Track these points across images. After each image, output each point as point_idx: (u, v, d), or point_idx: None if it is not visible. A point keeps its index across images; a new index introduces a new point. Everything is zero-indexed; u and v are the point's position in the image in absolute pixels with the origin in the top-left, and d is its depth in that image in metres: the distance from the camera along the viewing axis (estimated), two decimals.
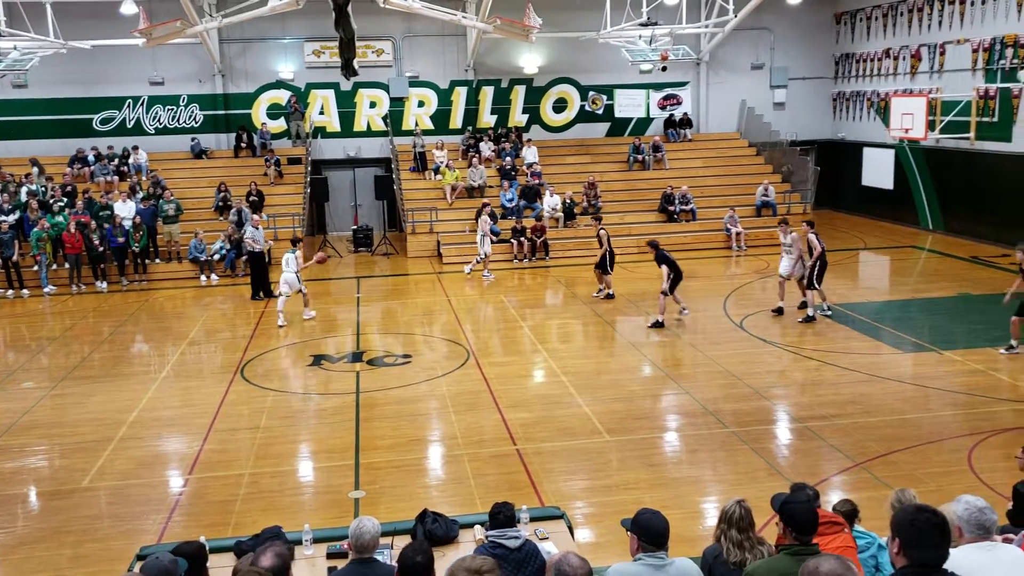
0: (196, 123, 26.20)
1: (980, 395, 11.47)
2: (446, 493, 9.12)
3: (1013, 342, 13.25)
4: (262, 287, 18.81)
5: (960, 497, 4.46)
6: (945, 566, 3.53)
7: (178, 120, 26.15)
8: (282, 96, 26.40)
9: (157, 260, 21.51)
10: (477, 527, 6.03)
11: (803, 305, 15.67)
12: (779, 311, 15.82)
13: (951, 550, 3.69)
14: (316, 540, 6.03)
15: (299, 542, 6.00)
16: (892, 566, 3.84)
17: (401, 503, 8.63)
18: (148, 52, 24.29)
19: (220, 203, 23.14)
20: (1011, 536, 5.23)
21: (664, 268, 15.39)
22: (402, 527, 6.20)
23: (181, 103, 26.09)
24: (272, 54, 26.35)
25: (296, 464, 10.21)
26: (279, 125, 26.38)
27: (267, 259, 19.23)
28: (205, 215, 23.18)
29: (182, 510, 8.91)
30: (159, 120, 26.06)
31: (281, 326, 16.20)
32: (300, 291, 16.63)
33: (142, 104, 25.91)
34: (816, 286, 15.36)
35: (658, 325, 15.34)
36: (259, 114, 26.41)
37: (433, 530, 6.00)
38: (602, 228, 17.84)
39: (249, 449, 10.42)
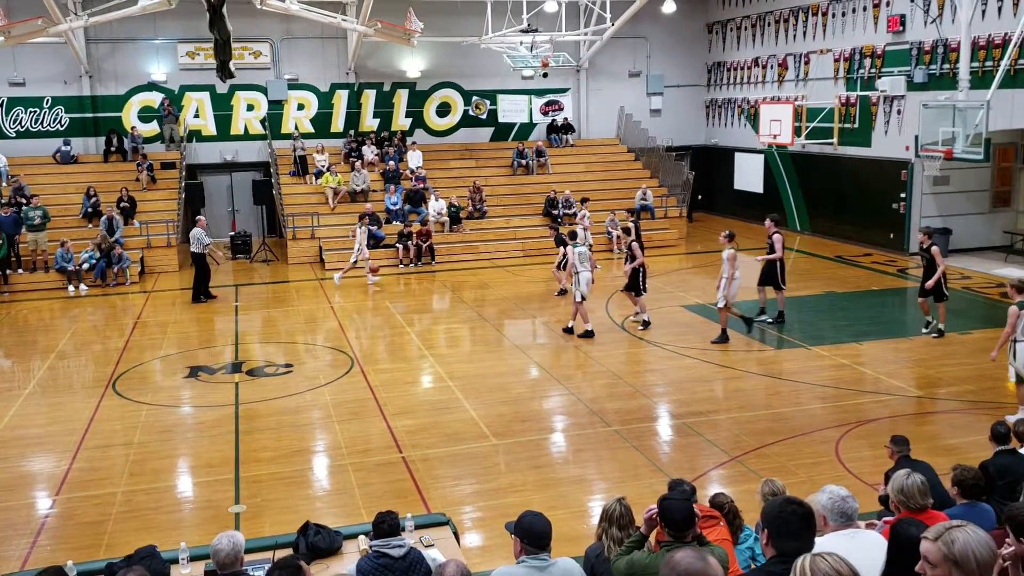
0: (62, 126, 25.00)
1: (846, 388, 12.07)
2: (331, 504, 8.99)
3: (928, 319, 14.47)
4: (202, 290, 18.56)
5: (825, 487, 4.69)
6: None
7: (42, 123, 24.89)
8: (154, 99, 25.47)
9: (20, 270, 20.41)
10: (361, 537, 5.97)
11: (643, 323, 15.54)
12: (589, 334, 14.90)
13: (817, 539, 3.88)
14: (193, 558, 5.84)
15: (175, 561, 5.82)
16: (763, 556, 4.00)
17: (284, 516, 8.45)
18: (7, 51, 23.02)
19: (89, 210, 22.15)
20: (874, 522, 5.53)
21: (561, 248, 17.45)
22: (284, 540, 6.10)
23: (45, 105, 24.85)
24: (143, 55, 25.40)
25: (173, 480, 9.86)
26: (151, 128, 25.44)
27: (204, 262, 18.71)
28: (73, 222, 22.15)
29: (49, 533, 8.47)
30: (20, 123, 24.74)
31: (372, 282, 19.63)
32: (354, 261, 19.81)
33: (1, 106, 24.56)
34: (643, 291, 15.41)
35: (563, 292, 17.46)
36: (130, 117, 25.41)
37: (316, 542, 5.91)
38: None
39: (122, 466, 10.00)
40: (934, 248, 14.07)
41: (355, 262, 19.83)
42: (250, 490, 9.28)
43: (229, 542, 4.77)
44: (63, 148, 24.34)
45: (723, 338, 14.35)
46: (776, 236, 15.23)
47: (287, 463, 10.01)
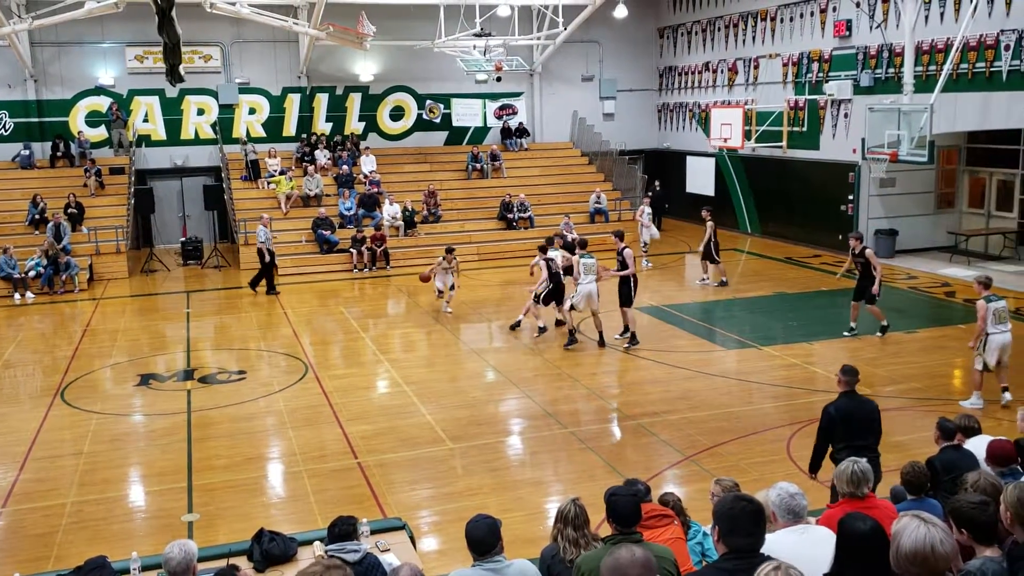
0: (6, 131, 24.46)
1: (797, 387, 12.28)
2: (286, 511, 8.91)
3: (852, 324, 14.60)
4: (268, 281, 19.41)
5: (776, 484, 4.77)
6: (762, 550, 3.76)
7: None
8: (102, 103, 25.03)
9: None
10: (316, 543, 5.93)
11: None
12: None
13: (768, 535, 3.94)
14: (145, 567, 5.74)
15: (127, 571, 5.72)
16: (715, 553, 4.06)
17: (239, 523, 8.36)
18: None
19: (36, 216, 21.68)
20: None
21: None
22: (238, 548, 6.05)
23: None
24: (90, 59, 24.95)
25: (124, 489, 9.70)
26: (99, 133, 25.00)
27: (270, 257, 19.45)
28: (18, 229, 21.68)
29: None
30: None
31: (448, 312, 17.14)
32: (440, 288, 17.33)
33: None
34: (538, 303, 15.17)
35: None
36: (77, 122, 24.94)
37: (270, 549, 5.86)
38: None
39: (72, 476, 9.81)
40: (868, 251, 14.24)
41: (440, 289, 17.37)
42: (203, 498, 9.17)
43: (180, 551, 4.72)
44: (23, 152, 23.84)
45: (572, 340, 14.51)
46: (627, 252, 14.25)
47: (241, 470, 9.91)
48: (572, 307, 14.49)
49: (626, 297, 14.40)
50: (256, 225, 20.07)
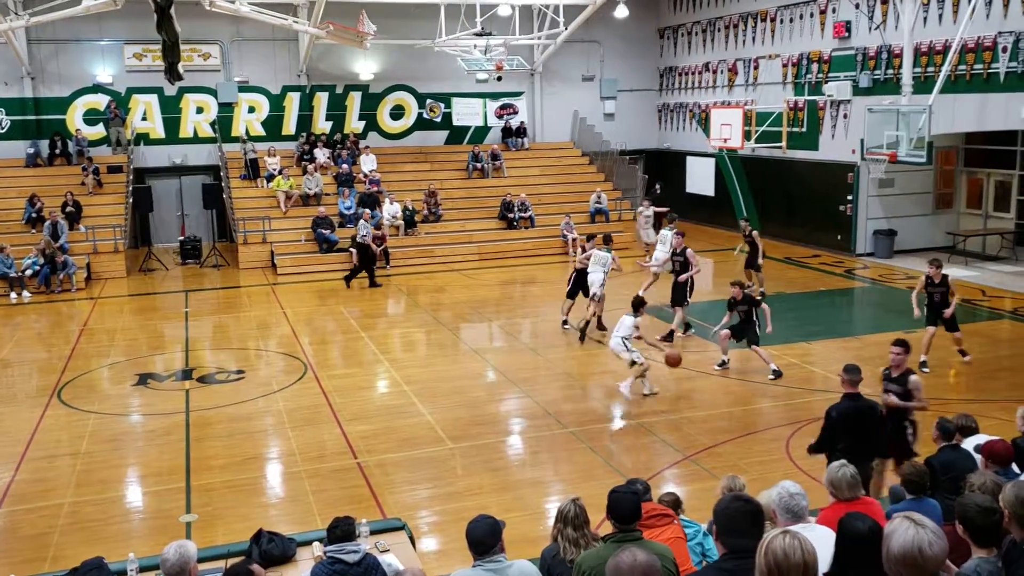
0: (2, 129, 24.42)
1: (796, 387, 12.25)
2: (284, 511, 8.89)
3: (924, 356, 12.98)
4: (369, 275, 20.10)
5: (778, 484, 4.76)
6: None
7: None
8: (100, 101, 24.98)
9: None
10: (316, 544, 5.90)
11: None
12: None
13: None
14: (143, 569, 5.72)
15: (124, 573, 5.69)
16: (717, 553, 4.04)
17: (237, 524, 8.33)
18: None
19: (33, 215, 21.63)
20: None
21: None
22: (237, 549, 6.02)
23: None
24: (88, 56, 24.90)
25: (122, 490, 9.67)
26: (97, 131, 24.96)
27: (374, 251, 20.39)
28: (15, 228, 21.64)
29: None
30: None
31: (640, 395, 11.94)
32: (633, 361, 11.96)
33: None
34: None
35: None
36: (75, 120, 24.90)
37: (269, 550, 5.83)
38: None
39: (69, 477, 9.78)
40: (950, 278, 13.00)
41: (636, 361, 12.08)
42: (202, 499, 9.14)
43: (176, 552, 4.69)
44: (28, 151, 23.87)
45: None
46: (689, 251, 14.51)
47: (240, 471, 9.88)
48: (593, 296, 14.95)
49: (681, 297, 14.63)
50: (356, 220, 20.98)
